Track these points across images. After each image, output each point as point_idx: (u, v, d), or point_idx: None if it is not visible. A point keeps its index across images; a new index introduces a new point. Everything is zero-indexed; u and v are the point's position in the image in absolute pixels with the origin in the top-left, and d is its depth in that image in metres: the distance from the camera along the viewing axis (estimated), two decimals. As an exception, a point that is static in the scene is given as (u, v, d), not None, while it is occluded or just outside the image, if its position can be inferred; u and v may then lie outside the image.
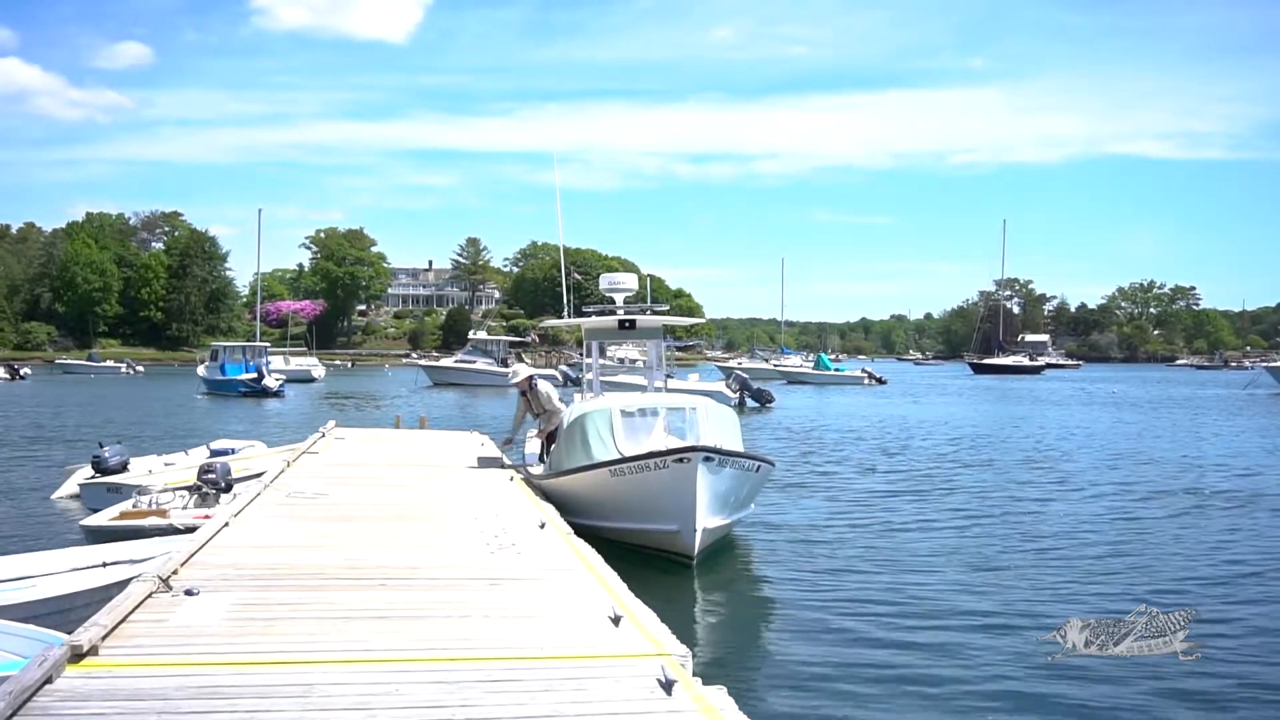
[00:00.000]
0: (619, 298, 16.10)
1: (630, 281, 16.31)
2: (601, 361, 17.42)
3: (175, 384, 66.41)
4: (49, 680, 4.92)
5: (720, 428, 13.23)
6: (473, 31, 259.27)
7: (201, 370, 60.51)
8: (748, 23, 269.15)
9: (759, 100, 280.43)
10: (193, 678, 5.10)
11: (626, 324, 15.30)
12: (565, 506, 12.94)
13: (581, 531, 12.59)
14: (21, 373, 70.29)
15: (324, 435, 18.73)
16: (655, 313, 16.48)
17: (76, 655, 5.24)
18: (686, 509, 11.17)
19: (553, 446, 14.55)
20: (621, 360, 67.08)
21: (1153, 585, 11.47)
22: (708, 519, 11.32)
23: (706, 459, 11.17)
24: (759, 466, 12.68)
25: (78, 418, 35.98)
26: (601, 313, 15.93)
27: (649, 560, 11.83)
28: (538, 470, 15.04)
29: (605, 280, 16.56)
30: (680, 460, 11.12)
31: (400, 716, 4.78)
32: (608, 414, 13.09)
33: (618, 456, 12.15)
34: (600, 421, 13.01)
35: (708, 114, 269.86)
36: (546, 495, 13.31)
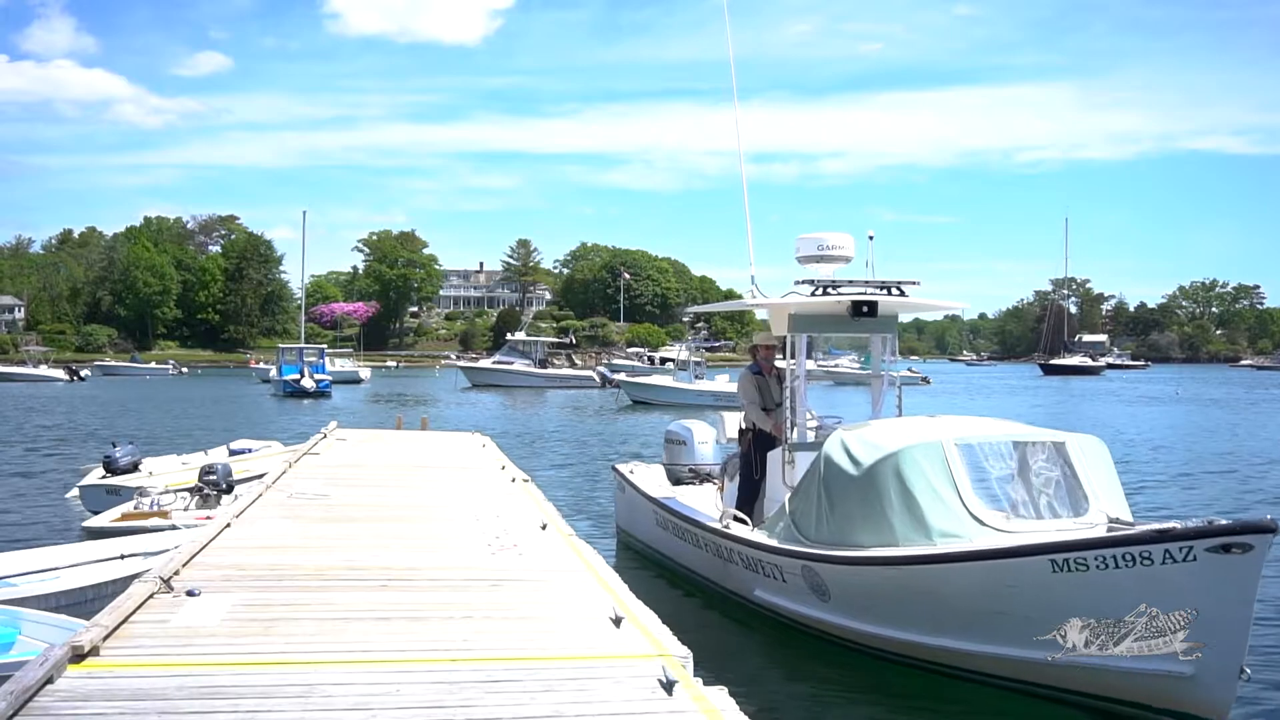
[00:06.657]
0: (828, 269, 10.38)
1: (847, 246, 10.45)
2: (633, 363, 15.27)
3: (231, 384, 68.08)
4: (50, 680, 4.94)
5: (1104, 475, 8.38)
6: (539, 33, 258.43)
7: (273, 371, 63.40)
8: (819, 20, 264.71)
9: (824, 99, 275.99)
10: (194, 678, 5.12)
11: (864, 308, 9.97)
12: (870, 609, 8.03)
13: (936, 661, 7.84)
14: (81, 374, 72.19)
15: (325, 436, 18.33)
16: (900, 293, 10.09)
17: (78, 655, 5.27)
18: (1225, 635, 6.32)
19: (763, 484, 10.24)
20: (653, 360, 63.93)
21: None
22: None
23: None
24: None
25: (137, 418, 36.71)
26: (815, 292, 9.96)
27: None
28: (779, 528, 9.18)
29: (806, 244, 10.47)
30: (1227, 548, 6.13)
31: (401, 717, 4.77)
32: (939, 450, 8.08)
33: (992, 528, 7.55)
34: (931, 464, 8.00)
35: (773, 113, 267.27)
36: (818, 579, 8.43)
